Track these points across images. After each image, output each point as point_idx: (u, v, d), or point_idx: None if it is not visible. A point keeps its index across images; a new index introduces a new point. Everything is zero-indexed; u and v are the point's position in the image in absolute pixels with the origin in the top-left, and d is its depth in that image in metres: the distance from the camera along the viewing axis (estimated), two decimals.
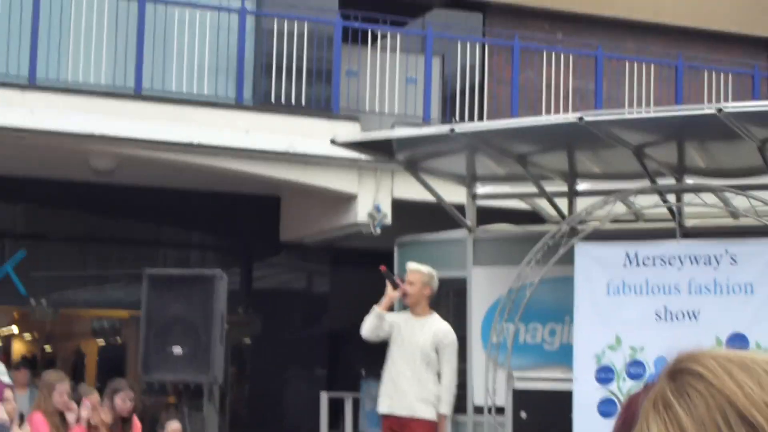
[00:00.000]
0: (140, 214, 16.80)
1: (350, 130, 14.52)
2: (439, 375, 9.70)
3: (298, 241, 16.97)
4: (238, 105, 15.42)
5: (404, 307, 10.06)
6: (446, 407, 9.59)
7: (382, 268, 9.89)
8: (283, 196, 16.88)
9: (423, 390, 9.54)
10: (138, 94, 14.99)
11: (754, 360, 1.32)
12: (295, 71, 15.71)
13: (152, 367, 10.94)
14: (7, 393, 10.19)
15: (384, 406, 9.68)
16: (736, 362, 1.31)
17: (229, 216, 16.77)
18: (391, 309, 10.07)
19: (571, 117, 10.94)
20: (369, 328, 9.73)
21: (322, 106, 15.77)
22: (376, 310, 9.72)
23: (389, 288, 9.80)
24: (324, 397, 11.86)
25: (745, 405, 1.27)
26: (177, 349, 10.86)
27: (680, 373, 1.33)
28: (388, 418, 9.65)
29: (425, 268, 10.05)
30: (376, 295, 14.42)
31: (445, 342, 9.71)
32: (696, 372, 1.31)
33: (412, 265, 10.05)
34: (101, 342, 20.38)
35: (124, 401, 10.96)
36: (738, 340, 10.09)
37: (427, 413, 9.53)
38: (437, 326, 9.81)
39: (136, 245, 17.13)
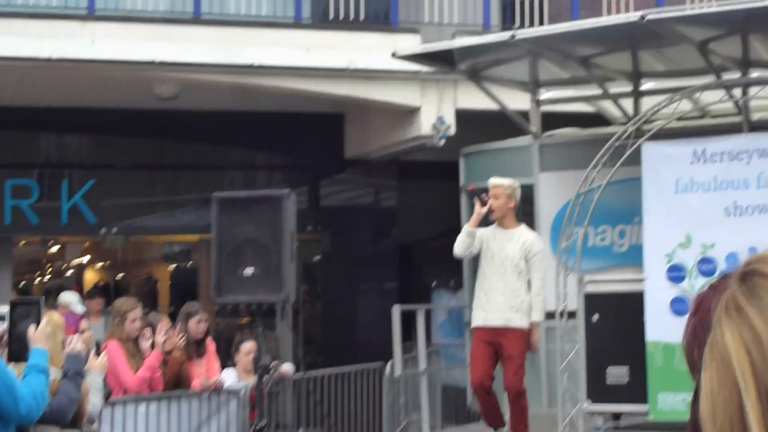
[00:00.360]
0: (205, 138, 16.86)
1: (411, 43, 14.41)
2: (528, 283, 9.80)
3: (364, 157, 16.96)
4: (297, 23, 15.37)
5: (489, 222, 10.18)
6: (538, 314, 9.74)
7: (471, 187, 9.95)
8: (346, 112, 16.86)
9: (515, 300, 9.67)
10: (197, 18, 14.99)
11: None
12: None
13: (225, 289, 10.98)
14: (83, 323, 10.34)
15: (479, 319, 9.80)
16: None
17: (294, 135, 16.78)
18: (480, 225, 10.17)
19: (633, 16, 10.78)
20: (462, 246, 9.79)
21: (381, 19, 15.67)
22: (467, 228, 9.75)
23: (477, 205, 9.82)
24: (396, 310, 11.89)
25: None
26: (248, 270, 10.89)
27: (750, 275, 1.31)
28: (481, 330, 9.78)
29: (507, 181, 10.06)
30: (444, 207, 14.48)
31: (534, 250, 9.78)
32: (765, 273, 1.29)
33: (494, 180, 10.05)
34: (173, 267, 20.59)
35: (198, 324, 11.07)
36: None
37: (521, 321, 9.67)
38: (525, 236, 9.87)
39: (202, 170, 17.21)
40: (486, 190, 10.12)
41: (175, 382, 10.63)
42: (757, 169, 10.27)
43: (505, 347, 9.60)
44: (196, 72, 14.60)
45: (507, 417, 10.11)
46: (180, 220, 17.66)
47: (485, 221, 10.13)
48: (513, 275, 9.69)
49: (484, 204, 9.75)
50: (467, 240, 9.70)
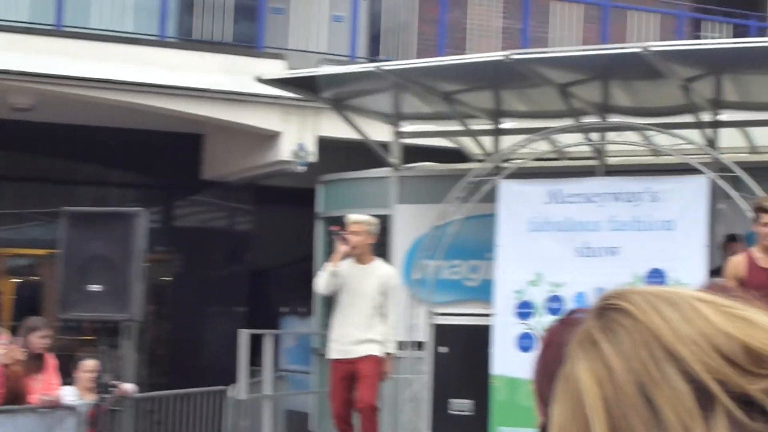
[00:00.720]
0: (59, 151, 16.54)
1: (275, 68, 14.37)
2: (383, 316, 9.97)
3: (221, 179, 16.82)
4: (162, 42, 15.20)
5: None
6: (393, 346, 9.92)
7: (333, 228, 10.02)
8: (206, 133, 16.71)
9: (371, 332, 9.83)
10: (58, 30, 14.71)
11: (680, 295, 1.30)
12: (220, 7, 15.50)
13: (70, 304, 10.81)
14: None
15: (335, 352, 9.95)
16: (661, 297, 1.29)
17: (150, 154, 16.57)
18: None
19: (497, 55, 10.91)
20: (325, 285, 9.94)
21: (246, 43, 15.59)
22: (331, 267, 9.90)
23: (340, 244, 9.97)
24: (243, 334, 11.77)
25: (670, 339, 1.25)
26: (95, 287, 10.73)
27: (606, 310, 1.30)
28: (338, 362, 9.96)
29: (366, 218, 10.22)
30: (299, 234, 14.44)
31: (391, 284, 9.97)
32: (621, 308, 1.29)
33: (354, 217, 10.19)
34: (18, 281, 20.12)
35: (40, 339, 10.82)
36: (656, 275, 10.17)
37: (376, 350, 9.82)
38: (383, 271, 10.04)
39: (54, 183, 16.86)
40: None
41: (13, 396, 10.35)
42: (610, 213, 10.45)
43: (361, 370, 9.79)
44: (54, 84, 14.31)
45: None
46: (27, 233, 17.29)
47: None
48: (370, 309, 9.84)
49: (345, 242, 9.88)
50: (332, 279, 9.86)
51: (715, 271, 9.91)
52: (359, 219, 10.13)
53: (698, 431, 1.20)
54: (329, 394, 10.14)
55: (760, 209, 8.84)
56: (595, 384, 1.25)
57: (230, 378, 12.34)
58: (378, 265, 10.12)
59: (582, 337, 1.30)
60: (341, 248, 9.93)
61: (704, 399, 1.21)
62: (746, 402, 1.22)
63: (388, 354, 9.94)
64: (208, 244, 17.40)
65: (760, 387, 1.22)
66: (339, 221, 13.64)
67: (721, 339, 1.24)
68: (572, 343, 1.31)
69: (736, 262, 8.91)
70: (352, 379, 9.89)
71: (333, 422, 10.13)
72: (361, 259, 9.99)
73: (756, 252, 8.89)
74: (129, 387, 11.49)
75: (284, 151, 15.06)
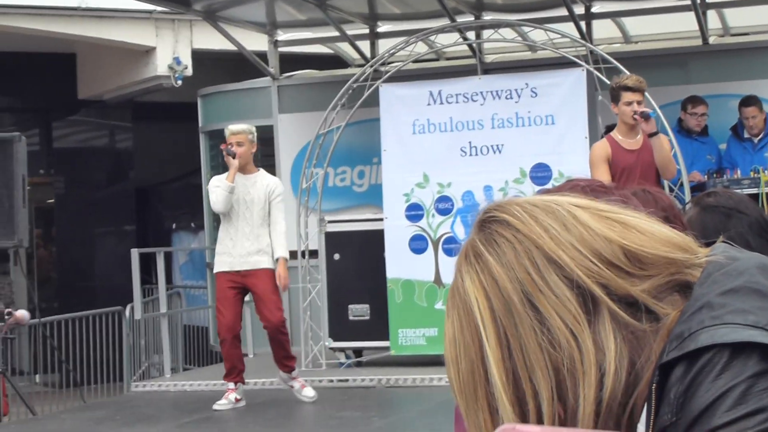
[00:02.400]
0: None
1: None
2: (271, 224, 9.79)
3: (98, 98, 16.60)
4: None
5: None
6: (282, 250, 9.61)
7: (223, 146, 9.77)
8: (79, 52, 16.43)
9: (261, 243, 9.62)
10: None
11: (558, 203, 1.34)
12: None
13: None
14: None
15: (224, 264, 9.65)
16: (541, 207, 1.33)
17: (24, 77, 16.25)
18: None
19: None
20: (225, 203, 9.63)
21: None
22: (228, 184, 9.62)
23: (230, 160, 9.70)
24: (135, 253, 11.73)
25: (551, 247, 1.29)
26: None
27: (488, 222, 1.35)
28: (226, 274, 9.65)
29: (246, 127, 9.95)
30: (182, 149, 14.36)
31: (276, 192, 9.75)
32: (502, 219, 1.33)
33: (235, 127, 9.89)
34: None
35: None
36: (541, 169, 10.37)
37: (268, 264, 9.61)
38: (267, 180, 9.84)
39: None
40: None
41: None
42: (491, 110, 10.58)
43: (257, 287, 9.58)
44: None
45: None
46: None
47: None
48: (258, 219, 9.68)
49: (234, 156, 9.68)
50: (228, 196, 9.63)
51: None
52: (240, 129, 9.88)
53: (584, 334, 1.27)
54: (218, 308, 9.70)
55: (622, 88, 8.70)
56: (482, 295, 1.30)
57: (124, 298, 12.33)
58: (262, 174, 9.97)
59: (466, 250, 1.36)
60: (233, 163, 9.72)
61: (588, 303, 1.27)
62: (630, 303, 1.28)
63: (280, 258, 9.62)
64: (89, 164, 17.21)
65: (642, 288, 1.30)
66: (221, 134, 13.63)
67: (600, 243, 1.29)
68: (458, 257, 1.38)
69: (603, 146, 8.79)
70: (242, 291, 9.68)
71: (219, 337, 9.62)
72: (245, 170, 9.80)
73: (618, 135, 8.79)
74: (23, 313, 11.41)
75: (159, 66, 14.91)
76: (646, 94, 9.65)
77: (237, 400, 9.54)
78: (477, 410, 1.31)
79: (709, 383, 1.22)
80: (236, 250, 9.62)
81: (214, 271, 9.85)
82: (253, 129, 9.95)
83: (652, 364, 1.28)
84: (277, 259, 9.60)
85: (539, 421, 1.27)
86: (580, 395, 1.26)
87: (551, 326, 1.27)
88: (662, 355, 1.27)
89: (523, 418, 1.28)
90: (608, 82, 9.98)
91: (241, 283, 9.60)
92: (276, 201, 9.74)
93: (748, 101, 10.93)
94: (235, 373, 9.59)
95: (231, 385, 9.59)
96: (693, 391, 1.23)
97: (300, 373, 10.73)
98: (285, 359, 9.65)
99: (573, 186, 2.01)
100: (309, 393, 9.63)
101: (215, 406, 9.46)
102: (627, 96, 8.65)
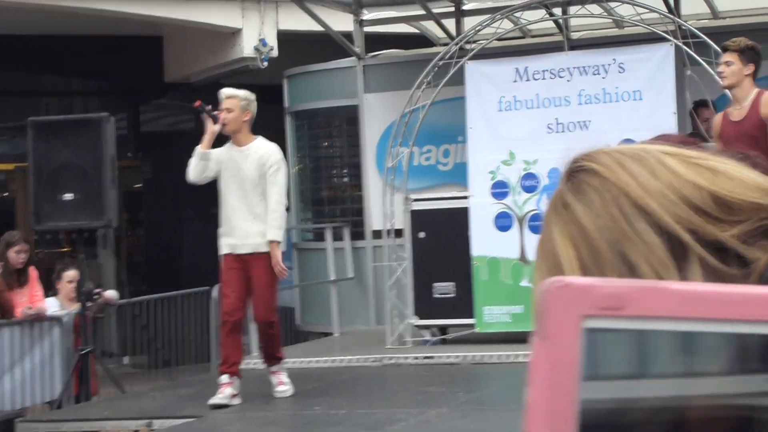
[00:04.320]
0: (19, 64, 16.36)
1: None
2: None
3: (185, 81, 16.71)
4: None
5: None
6: (274, 233, 8.64)
7: (197, 103, 9.00)
8: (165, 35, 16.55)
9: (261, 224, 8.64)
10: None
11: (647, 150, 1.32)
12: None
13: (44, 215, 10.70)
14: None
15: (226, 248, 8.76)
16: (629, 155, 1.32)
17: (111, 59, 16.41)
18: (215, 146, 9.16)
19: None
20: (195, 171, 8.89)
21: None
22: (199, 150, 8.83)
23: (209, 123, 8.89)
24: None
25: (639, 194, 1.28)
26: (68, 196, 10.63)
27: (576, 172, 1.33)
28: (229, 257, 8.77)
29: (242, 92, 9.03)
30: (268, 130, 14.33)
31: (270, 162, 8.67)
32: (590, 168, 1.32)
33: (227, 91, 9.05)
34: None
35: (18, 254, 10.82)
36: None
37: (267, 247, 8.67)
38: (262, 151, 8.77)
39: (16, 96, 16.71)
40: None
41: None
42: (578, 87, 10.48)
43: (253, 277, 8.67)
44: None
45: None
46: None
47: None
48: (254, 197, 8.66)
49: (215, 120, 8.86)
50: (201, 163, 8.80)
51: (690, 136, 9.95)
52: (232, 93, 8.97)
53: (674, 279, 1.23)
54: (222, 291, 9.00)
55: (721, 49, 8.35)
56: (570, 245, 1.27)
57: (210, 281, 12.39)
58: (258, 144, 8.88)
59: (554, 200, 1.34)
60: (211, 127, 8.85)
61: (677, 250, 1.23)
62: (719, 249, 1.24)
63: (271, 242, 8.66)
64: (176, 147, 17.32)
65: (731, 233, 1.27)
66: (308, 115, 13.65)
67: (689, 189, 1.27)
68: (547, 208, 1.36)
69: (716, 122, 8.44)
70: (245, 271, 8.71)
71: (221, 322, 8.96)
72: (238, 140, 8.85)
73: (730, 108, 8.39)
74: (112, 294, 11.55)
75: (246, 47, 14.96)
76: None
77: (233, 396, 8.73)
78: None
79: None
80: (235, 232, 8.72)
81: (220, 253, 8.96)
82: (252, 96, 9.02)
83: None
84: (268, 242, 8.65)
85: None
86: None
87: (640, 274, 1.25)
88: None
89: None
90: (697, 57, 9.84)
91: (244, 267, 8.73)
92: (270, 171, 8.69)
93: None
94: (229, 364, 8.76)
95: (225, 378, 8.73)
96: None
97: (386, 351, 10.73)
98: (273, 353, 8.97)
99: (665, 139, 1.99)
100: (282, 389, 8.94)
101: (210, 401, 8.68)
102: (723, 56, 8.23)
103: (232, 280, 8.76)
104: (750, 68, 8.13)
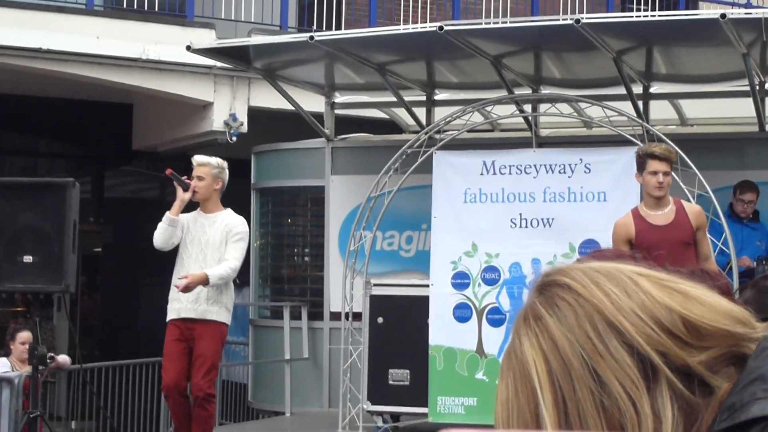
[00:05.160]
0: None
1: (206, 37, 14.32)
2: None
3: (152, 150, 16.74)
4: (89, 10, 15.05)
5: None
6: (212, 274, 8.51)
7: (168, 171, 9.01)
8: (136, 103, 16.61)
9: (213, 291, 8.63)
10: None
11: (620, 269, 1.35)
12: None
13: (3, 276, 10.63)
14: None
15: (172, 312, 8.75)
16: (602, 273, 1.34)
17: (80, 124, 16.44)
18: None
19: (430, 26, 10.95)
20: (163, 237, 8.79)
21: (175, 12, 15.50)
22: (169, 216, 8.77)
23: (179, 191, 8.87)
24: None
25: (612, 312, 1.30)
26: (28, 258, 10.58)
27: (549, 286, 1.35)
28: (174, 324, 8.74)
29: (214, 160, 8.98)
30: (233, 205, 14.35)
31: (235, 231, 8.71)
32: (564, 283, 1.34)
33: (199, 158, 9.03)
34: None
35: None
36: (590, 245, 10.33)
37: (219, 315, 8.69)
38: (228, 220, 8.80)
39: None
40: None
41: None
42: (544, 184, 10.58)
43: (197, 344, 8.60)
44: None
45: None
46: None
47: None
48: (213, 263, 8.63)
49: (186, 188, 8.84)
50: (169, 230, 8.73)
51: None
52: (204, 161, 8.93)
53: (643, 401, 1.27)
54: (164, 361, 8.87)
55: (648, 155, 8.08)
56: (541, 358, 1.30)
57: None
58: (226, 214, 8.89)
59: (526, 312, 1.36)
60: (181, 195, 8.80)
61: (648, 370, 1.27)
62: (686, 374, 1.28)
63: (203, 276, 8.50)
64: (139, 215, 17.32)
65: (699, 359, 1.29)
66: (273, 192, 13.69)
67: (661, 312, 1.29)
68: (517, 319, 1.38)
69: (624, 224, 8.28)
70: (189, 342, 8.65)
71: (164, 395, 8.93)
72: (206, 208, 8.85)
73: (643, 208, 8.29)
74: (64, 359, 11.45)
75: (215, 121, 15.03)
76: (700, 176, 9.64)
77: None
78: None
79: None
80: (185, 296, 8.66)
81: (167, 320, 8.94)
82: (224, 165, 9.01)
83: None
84: (203, 275, 8.54)
85: None
86: None
87: (610, 391, 1.27)
88: (713, 426, 1.27)
89: None
90: None
91: (188, 335, 8.67)
92: (233, 238, 8.72)
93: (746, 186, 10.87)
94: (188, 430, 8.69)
95: None
96: None
97: None
98: None
99: (600, 254, 2.03)
100: None
101: None
102: (653, 165, 8.10)
103: (172, 353, 8.72)
104: None
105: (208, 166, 8.91)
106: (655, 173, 8.13)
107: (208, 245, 8.73)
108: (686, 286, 1.35)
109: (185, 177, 8.93)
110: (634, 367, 1.28)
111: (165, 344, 8.86)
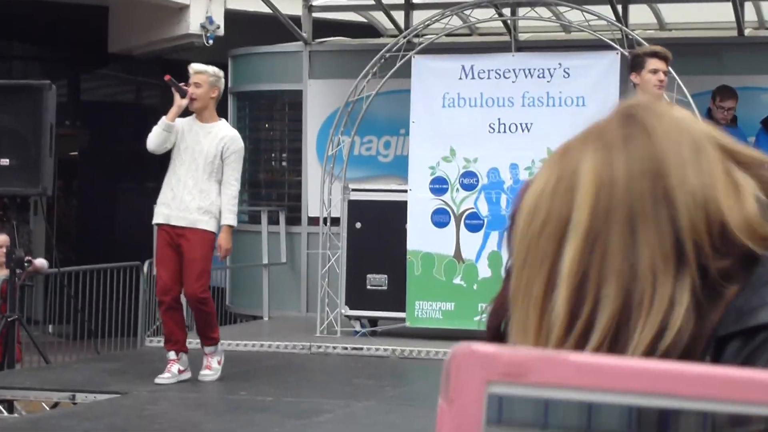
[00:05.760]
0: None
1: None
2: (220, 184, 8.87)
3: (127, 53, 16.57)
4: None
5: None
6: (231, 218, 8.81)
7: (167, 77, 8.99)
8: (111, 5, 16.39)
9: (204, 200, 8.75)
10: None
11: (705, 139, 1.31)
12: None
13: None
14: None
15: (161, 216, 8.86)
16: (688, 133, 1.30)
17: (55, 26, 16.23)
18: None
19: None
20: (157, 141, 8.83)
21: None
22: (165, 121, 8.80)
23: (177, 97, 8.86)
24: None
25: (675, 182, 1.26)
26: (4, 161, 10.52)
27: (632, 119, 1.30)
28: (163, 229, 8.85)
29: (211, 69, 9.04)
30: None
31: (232, 148, 8.80)
32: (647, 127, 1.29)
33: (196, 66, 9.03)
34: None
35: None
36: None
37: (208, 225, 8.76)
38: (224, 133, 8.88)
39: None
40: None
41: None
42: (522, 89, 10.55)
43: (186, 249, 8.73)
44: None
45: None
46: None
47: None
48: (204, 173, 8.76)
49: (183, 94, 8.85)
50: (163, 134, 8.78)
51: None
52: (201, 69, 8.95)
53: (666, 278, 1.24)
54: (156, 264, 9.05)
55: (648, 54, 8.01)
56: (593, 185, 1.26)
57: (143, 253, 12.33)
58: (222, 125, 9.01)
59: (600, 133, 1.32)
60: (179, 101, 8.82)
61: (679, 257, 1.25)
62: (704, 273, 1.25)
63: (227, 227, 8.83)
64: (115, 118, 17.20)
65: (717, 266, 1.29)
66: (250, 96, 13.62)
67: (713, 207, 1.26)
68: (587, 133, 1.34)
69: None
70: (179, 247, 8.77)
71: (158, 300, 9.08)
72: (202, 116, 8.88)
73: None
74: (42, 262, 11.44)
75: (192, 24, 14.85)
76: (679, 81, 9.62)
77: (180, 372, 8.88)
78: (534, 276, 1.28)
79: (765, 362, 1.20)
80: (175, 203, 8.82)
81: (153, 222, 9.13)
82: (220, 73, 9.11)
83: (707, 334, 1.25)
84: (221, 226, 8.79)
85: (582, 340, 1.24)
86: (635, 335, 1.23)
87: (638, 254, 1.25)
88: (718, 328, 1.25)
89: (569, 330, 1.25)
90: None
91: (177, 242, 8.80)
92: (230, 158, 8.83)
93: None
94: (173, 342, 8.89)
95: (172, 355, 8.87)
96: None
97: (314, 339, 10.74)
98: (206, 332, 8.96)
99: None
100: (205, 374, 8.97)
101: (157, 380, 8.80)
102: (653, 63, 7.96)
103: (165, 259, 8.86)
104: None
105: (205, 73, 8.94)
106: (655, 71, 7.99)
107: (201, 155, 8.80)
108: (744, 179, 1.31)
109: (183, 83, 8.91)
110: (670, 246, 1.25)
111: (156, 250, 9.05)
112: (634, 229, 1.25)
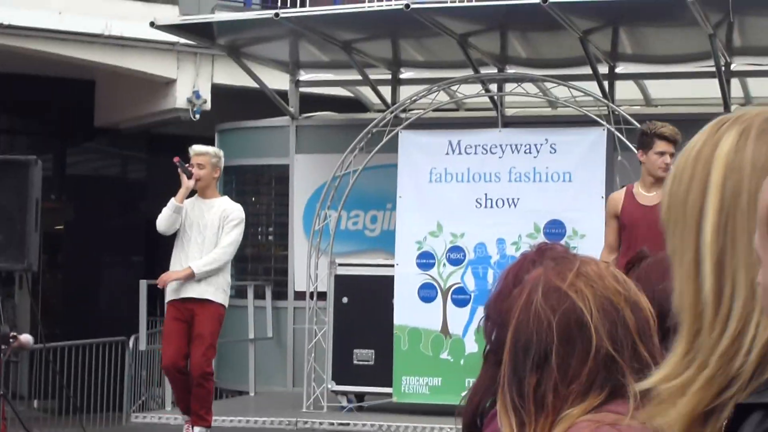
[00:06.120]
0: None
1: (169, 13, 14.17)
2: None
3: (114, 127, 16.61)
4: None
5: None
6: (199, 267, 9.01)
7: (176, 159, 9.35)
8: (98, 79, 16.45)
9: (212, 275, 9.09)
10: None
11: None
12: None
13: None
14: None
15: (171, 293, 9.10)
16: None
17: (41, 100, 16.26)
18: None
19: (396, 4, 10.92)
20: (167, 223, 9.13)
21: None
22: (174, 202, 9.14)
23: (184, 178, 9.26)
24: (143, 285, 11.68)
25: None
26: None
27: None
28: (173, 305, 9.12)
29: (212, 149, 9.61)
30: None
31: (231, 217, 9.17)
32: None
33: (198, 148, 9.50)
34: None
35: None
36: (555, 225, 10.35)
37: (216, 296, 9.09)
38: (226, 206, 9.30)
39: None
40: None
41: None
42: (509, 164, 10.58)
43: (195, 323, 8.99)
44: None
45: None
46: None
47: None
48: (211, 245, 9.10)
49: (190, 176, 9.25)
50: (173, 216, 9.10)
51: None
52: (203, 150, 9.44)
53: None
54: (163, 340, 9.29)
55: (656, 135, 7.80)
56: (724, 168, 1.32)
57: (128, 329, 12.28)
58: (222, 200, 9.42)
59: (750, 120, 1.35)
60: (186, 182, 9.21)
61: None
62: None
63: (189, 270, 9.00)
64: (101, 192, 17.20)
65: None
66: (236, 170, 13.63)
67: None
68: (743, 112, 1.38)
69: (614, 199, 8.10)
70: (188, 322, 9.04)
71: (165, 372, 9.36)
72: (205, 194, 9.30)
73: (638, 187, 7.99)
74: (27, 338, 11.35)
75: (178, 98, 14.91)
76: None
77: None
78: (684, 245, 1.35)
79: None
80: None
81: (165, 300, 9.32)
82: (220, 153, 9.59)
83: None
84: (186, 269, 9.03)
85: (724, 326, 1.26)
86: (751, 328, 1.25)
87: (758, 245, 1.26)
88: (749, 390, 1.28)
89: (716, 313, 1.28)
90: (628, 143, 9.95)
91: (186, 315, 9.06)
92: (229, 225, 9.18)
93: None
94: (185, 402, 9.13)
95: (187, 416, 9.14)
96: None
97: (301, 415, 10.67)
98: (202, 411, 9.05)
99: (550, 248, 2.08)
100: None
101: None
102: (661, 145, 7.79)
103: (171, 334, 9.12)
104: None
105: (207, 155, 9.41)
106: (662, 154, 7.82)
107: (206, 228, 9.15)
108: None
109: (188, 164, 9.28)
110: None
111: (164, 324, 9.29)
112: (753, 216, 1.28)
